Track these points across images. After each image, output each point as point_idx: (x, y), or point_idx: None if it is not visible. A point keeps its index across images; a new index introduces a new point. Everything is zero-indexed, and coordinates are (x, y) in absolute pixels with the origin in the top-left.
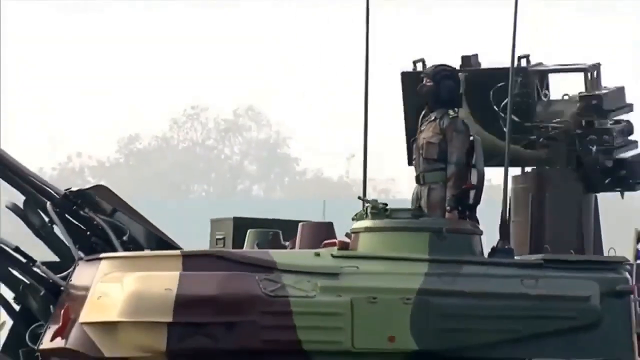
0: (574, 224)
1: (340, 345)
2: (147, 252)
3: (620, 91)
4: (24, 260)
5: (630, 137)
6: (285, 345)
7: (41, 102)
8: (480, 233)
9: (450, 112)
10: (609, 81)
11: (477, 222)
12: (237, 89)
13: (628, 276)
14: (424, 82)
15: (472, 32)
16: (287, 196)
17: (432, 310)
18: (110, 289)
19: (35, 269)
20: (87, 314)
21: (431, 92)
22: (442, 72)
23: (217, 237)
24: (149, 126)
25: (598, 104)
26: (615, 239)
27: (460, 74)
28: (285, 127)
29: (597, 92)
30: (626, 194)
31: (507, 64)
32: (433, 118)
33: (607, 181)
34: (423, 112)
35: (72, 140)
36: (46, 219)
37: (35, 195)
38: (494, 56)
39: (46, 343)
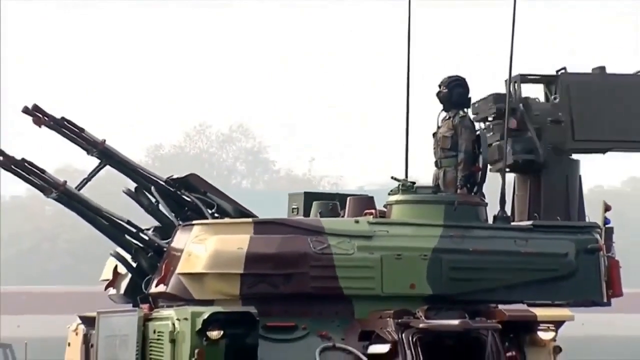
0: (562, 198)
1: (372, 291)
2: (227, 219)
3: None
4: (134, 230)
5: None
6: (329, 291)
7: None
8: (485, 205)
9: (461, 112)
10: None
11: (484, 196)
12: (231, 111)
13: (598, 237)
14: (441, 89)
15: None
16: (267, 188)
17: (444, 264)
18: (198, 247)
19: (143, 235)
20: (182, 267)
21: (446, 97)
22: (454, 82)
23: (293, 207)
24: (169, 138)
25: None
26: (588, 209)
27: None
28: (265, 139)
29: None
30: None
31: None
32: (447, 117)
33: None
34: (439, 112)
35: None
36: (152, 199)
37: (142, 182)
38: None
39: (153, 289)
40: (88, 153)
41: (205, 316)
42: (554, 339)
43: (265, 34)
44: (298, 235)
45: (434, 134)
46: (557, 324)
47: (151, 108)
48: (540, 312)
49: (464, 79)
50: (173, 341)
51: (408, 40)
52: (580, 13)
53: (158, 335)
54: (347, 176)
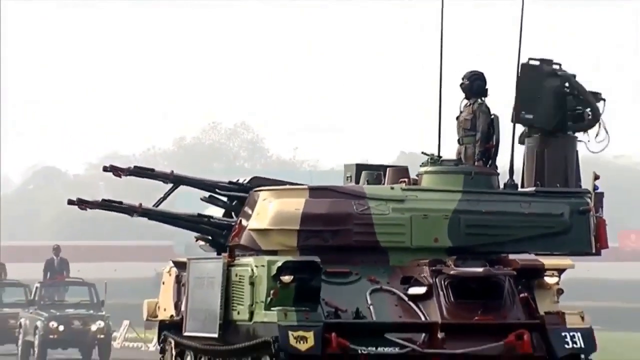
0: (562, 169)
1: (403, 244)
2: (287, 186)
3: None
4: (206, 219)
5: None
6: (369, 243)
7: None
8: (497, 175)
9: (479, 100)
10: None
11: (496, 168)
12: (235, 110)
13: (589, 201)
14: (463, 81)
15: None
16: (263, 169)
17: (462, 222)
18: (264, 208)
19: (214, 220)
20: (251, 224)
21: (467, 88)
22: (474, 75)
23: (347, 175)
24: (191, 131)
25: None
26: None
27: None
28: (261, 132)
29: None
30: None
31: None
32: (469, 104)
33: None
34: (462, 100)
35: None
36: (224, 199)
37: (211, 189)
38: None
39: (230, 241)
40: (164, 182)
41: (279, 264)
42: (557, 283)
43: (263, 35)
44: (344, 199)
45: (457, 118)
46: (560, 271)
47: (173, 105)
48: (547, 261)
49: (482, 73)
50: (252, 283)
51: (441, 35)
52: (580, 13)
53: (239, 278)
54: (322, 159)
